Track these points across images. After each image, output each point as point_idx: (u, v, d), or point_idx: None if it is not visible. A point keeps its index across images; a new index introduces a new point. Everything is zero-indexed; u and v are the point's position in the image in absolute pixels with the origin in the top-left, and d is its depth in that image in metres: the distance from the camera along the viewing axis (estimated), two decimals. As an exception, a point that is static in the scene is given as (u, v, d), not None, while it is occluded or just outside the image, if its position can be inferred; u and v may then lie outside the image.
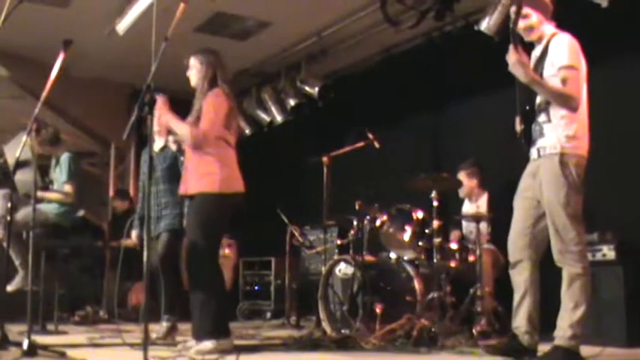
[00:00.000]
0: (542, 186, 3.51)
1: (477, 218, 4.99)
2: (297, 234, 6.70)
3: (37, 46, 7.18)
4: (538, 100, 3.56)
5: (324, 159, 5.67)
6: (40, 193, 5.40)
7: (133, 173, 8.93)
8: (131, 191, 8.63)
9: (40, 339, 3.90)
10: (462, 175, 5.68)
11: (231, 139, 4.10)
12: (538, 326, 3.58)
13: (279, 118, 8.13)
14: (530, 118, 3.58)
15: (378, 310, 4.66)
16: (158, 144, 5.09)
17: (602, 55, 3.66)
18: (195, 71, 4.16)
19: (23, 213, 5.50)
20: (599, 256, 4.59)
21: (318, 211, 5.71)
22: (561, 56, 3.43)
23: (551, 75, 3.45)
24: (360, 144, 5.65)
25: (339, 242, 5.83)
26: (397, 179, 5.26)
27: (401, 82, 6.99)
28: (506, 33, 5.44)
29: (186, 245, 4.06)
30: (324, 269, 5.36)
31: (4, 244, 4.21)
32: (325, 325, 5.11)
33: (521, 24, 3.54)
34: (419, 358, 3.91)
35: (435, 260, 4.81)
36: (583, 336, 3.40)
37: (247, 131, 8.45)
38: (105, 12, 6.70)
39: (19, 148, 3.95)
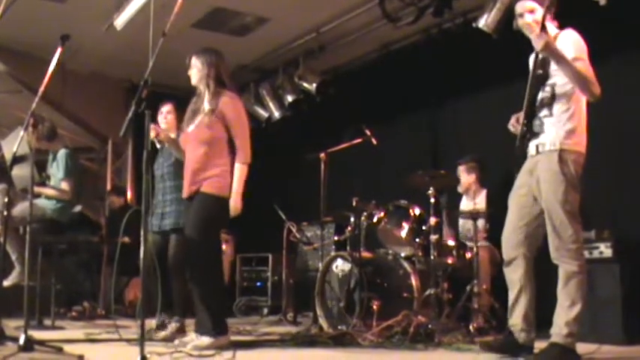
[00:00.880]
0: (540, 183, 3.50)
1: (474, 215, 4.99)
2: (294, 230, 6.69)
3: (35, 41, 7.17)
4: (541, 95, 3.55)
5: (322, 155, 5.67)
6: (36, 189, 5.40)
7: (130, 169, 8.92)
8: (128, 187, 8.62)
9: (37, 334, 3.89)
10: (460, 170, 5.68)
11: None
12: (534, 324, 3.58)
13: (277, 114, 8.12)
14: (532, 114, 3.56)
15: (374, 307, 4.68)
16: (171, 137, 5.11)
17: (600, 53, 3.64)
18: (196, 70, 4.15)
19: (20, 208, 5.51)
20: (596, 254, 4.59)
21: (316, 207, 5.71)
22: (571, 49, 3.41)
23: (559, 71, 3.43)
24: (358, 140, 5.65)
25: (336, 238, 5.84)
26: (395, 176, 5.27)
27: (399, 79, 6.98)
28: (505, 30, 5.53)
29: (186, 242, 4.09)
30: (321, 265, 5.37)
31: (1, 240, 4.19)
32: (322, 321, 5.12)
33: (528, 18, 3.52)
34: (416, 355, 3.92)
35: (432, 257, 4.83)
36: (579, 334, 3.41)
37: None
38: (103, 7, 6.69)
39: (16, 142, 3.94)
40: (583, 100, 3.51)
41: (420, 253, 5.01)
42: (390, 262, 5.17)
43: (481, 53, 6.00)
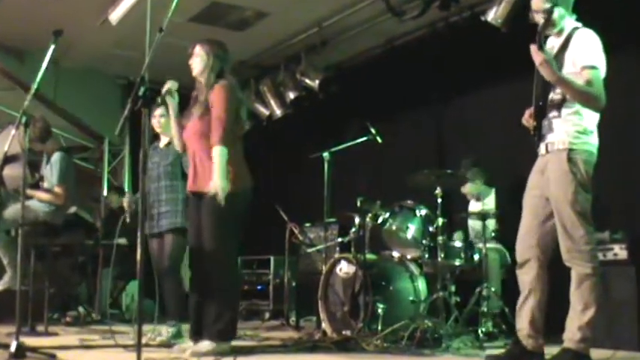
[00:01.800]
0: (549, 183, 3.50)
1: (483, 215, 4.97)
2: (296, 231, 6.67)
3: (27, 37, 7.15)
4: (551, 95, 3.54)
5: (325, 154, 5.66)
6: (29, 191, 5.38)
7: (127, 169, 8.90)
8: (125, 187, 8.61)
9: (30, 341, 3.88)
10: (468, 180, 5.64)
11: (239, 132, 4.14)
12: (542, 328, 3.56)
13: (278, 112, 8.10)
14: (542, 114, 3.55)
15: (380, 311, 4.67)
16: (163, 140, 5.12)
17: (614, 49, 3.62)
18: (199, 60, 4.12)
19: (12, 210, 5.49)
20: (610, 256, 4.56)
21: (319, 207, 5.70)
22: (585, 55, 3.42)
23: (572, 73, 3.42)
24: (362, 139, 5.64)
25: (339, 240, 5.79)
26: (400, 175, 5.25)
27: (404, 75, 6.96)
28: (514, 24, 5.51)
29: (193, 246, 4.08)
30: (324, 268, 5.35)
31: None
32: (325, 325, 5.10)
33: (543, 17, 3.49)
34: (422, 361, 3.91)
35: (439, 259, 4.82)
36: (593, 339, 3.39)
37: (246, 125, 8.40)
38: (97, 1, 6.67)
39: (7, 142, 3.93)
40: None
41: (427, 255, 4.99)
42: (396, 265, 5.15)
43: (489, 48, 5.98)
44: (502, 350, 3.90)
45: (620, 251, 4.55)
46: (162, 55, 3.55)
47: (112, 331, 4.48)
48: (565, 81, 3.38)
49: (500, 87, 6.01)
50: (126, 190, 8.33)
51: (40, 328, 5.23)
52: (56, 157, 5.65)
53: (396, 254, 5.25)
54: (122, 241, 6.17)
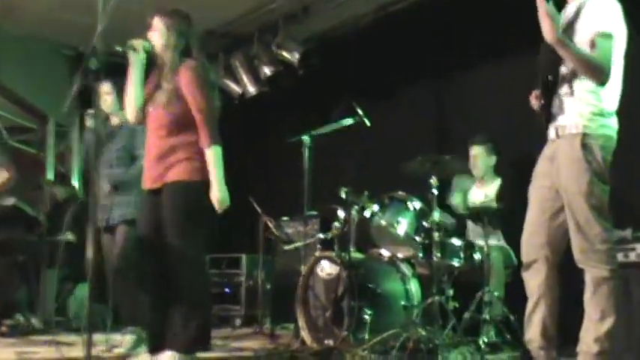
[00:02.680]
0: (560, 172, 3.50)
1: (485, 208, 4.99)
2: (271, 226, 6.68)
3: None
4: (562, 69, 3.54)
5: (305, 138, 5.64)
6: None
7: (76, 154, 8.83)
8: (74, 175, 8.55)
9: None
10: (476, 151, 5.66)
11: None
12: (555, 340, 3.58)
13: (251, 90, 8.08)
14: (551, 91, 3.56)
15: (367, 317, 4.69)
16: (113, 121, 5.11)
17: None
18: (158, 35, 4.06)
19: None
20: (632, 257, 4.54)
21: (298, 199, 5.69)
22: (597, 21, 3.40)
23: (584, 42, 3.41)
24: (348, 120, 5.63)
25: (321, 236, 5.81)
26: (391, 162, 5.26)
27: (398, 47, 6.96)
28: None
29: (148, 247, 4.03)
30: (303, 268, 5.36)
31: None
32: (305, 334, 5.11)
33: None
34: (415, 375, 3.94)
35: (434, 258, 4.83)
36: (613, 351, 3.39)
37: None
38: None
39: None
40: (617, 77, 3.49)
41: (421, 254, 5.01)
42: (386, 265, 5.18)
43: (495, 16, 5.99)
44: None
45: (643, 251, 4.57)
46: (119, 21, 3.52)
47: (57, 342, 4.46)
48: (564, 43, 3.33)
49: (510, 61, 6.00)
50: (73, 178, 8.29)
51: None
52: None
53: (385, 253, 5.26)
54: (69, 237, 6.13)
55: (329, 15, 7.49)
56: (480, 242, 5.09)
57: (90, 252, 2.92)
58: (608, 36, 3.38)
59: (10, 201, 5.91)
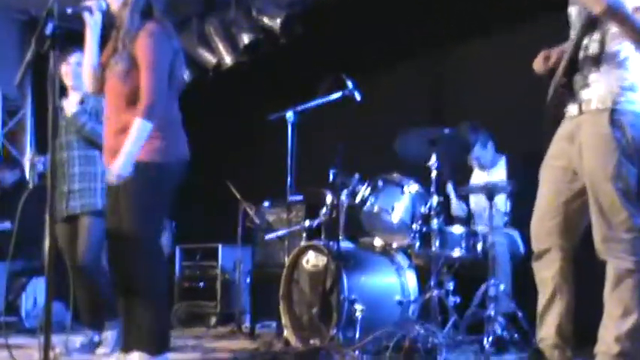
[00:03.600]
0: (582, 152, 3.47)
1: (490, 191, 4.98)
2: (251, 213, 6.67)
3: None
4: (586, 42, 3.48)
5: (289, 114, 5.64)
6: None
7: (29, 133, 8.78)
8: (27, 157, 8.49)
9: None
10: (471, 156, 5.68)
11: (174, 90, 4.07)
12: (571, 338, 3.58)
13: (228, 60, 8.05)
14: (573, 69, 3.52)
15: (357, 314, 4.68)
16: (74, 97, 5.05)
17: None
18: None
19: None
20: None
21: (280, 182, 5.70)
22: None
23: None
24: (336, 95, 5.63)
25: (307, 224, 5.80)
26: (384, 141, 5.24)
27: (391, 14, 6.94)
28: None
29: (112, 233, 4.02)
30: (287, 260, 5.36)
31: None
32: (288, 333, 5.12)
33: None
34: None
35: (433, 248, 4.85)
36: (635, 353, 3.38)
37: (186, 77, 8.34)
38: None
39: None
40: None
41: (418, 244, 5.00)
42: (379, 255, 5.18)
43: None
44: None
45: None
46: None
47: (7, 345, 4.40)
48: (620, 11, 3.25)
49: (512, 30, 6.00)
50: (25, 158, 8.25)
51: None
52: None
53: (378, 242, 5.27)
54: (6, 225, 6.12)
55: (314, -24, 7.46)
56: (484, 228, 5.08)
57: (48, 243, 2.87)
58: None
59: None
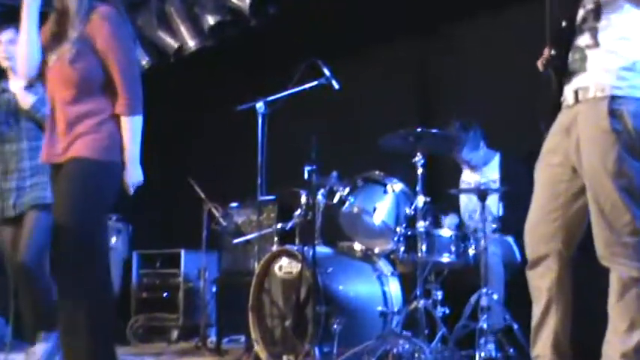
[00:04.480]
0: (580, 147, 3.46)
1: (481, 192, 4.98)
2: (217, 215, 6.66)
3: None
4: (581, 12, 3.49)
5: (259, 105, 5.65)
6: None
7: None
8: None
9: None
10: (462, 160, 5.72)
11: None
12: (569, 354, 3.57)
13: (191, 44, 8.02)
14: (566, 41, 3.52)
15: (335, 327, 4.69)
16: (16, 83, 5.02)
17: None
18: None
19: None
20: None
21: (250, 181, 5.69)
22: None
23: None
24: (312, 84, 5.63)
25: (279, 227, 5.81)
26: (365, 135, 5.24)
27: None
28: None
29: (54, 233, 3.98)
30: (257, 267, 5.37)
31: None
32: (259, 348, 5.13)
33: None
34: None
35: (419, 254, 4.83)
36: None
37: (144, 63, 8.31)
38: None
39: None
40: None
41: (403, 249, 4.99)
42: (359, 262, 5.21)
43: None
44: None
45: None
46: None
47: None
48: None
49: (510, 12, 6.00)
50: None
51: None
52: None
53: (358, 247, 5.29)
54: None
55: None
56: (476, 233, 5.08)
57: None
58: None
59: None
